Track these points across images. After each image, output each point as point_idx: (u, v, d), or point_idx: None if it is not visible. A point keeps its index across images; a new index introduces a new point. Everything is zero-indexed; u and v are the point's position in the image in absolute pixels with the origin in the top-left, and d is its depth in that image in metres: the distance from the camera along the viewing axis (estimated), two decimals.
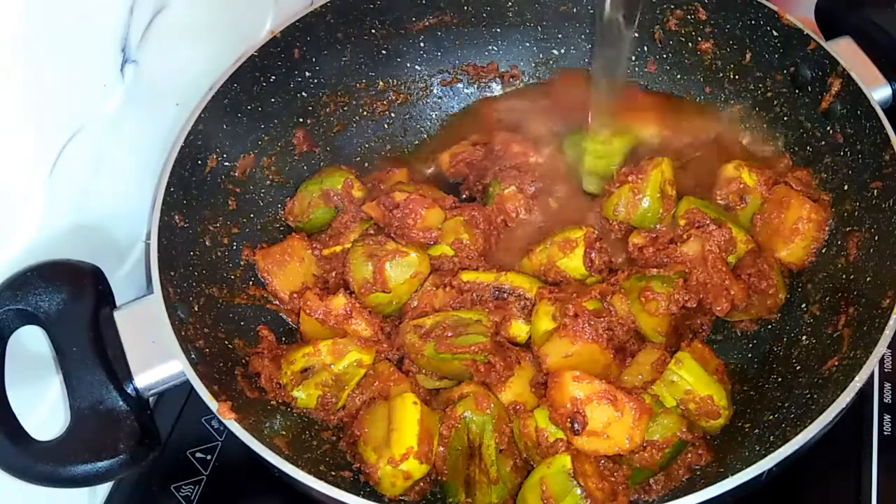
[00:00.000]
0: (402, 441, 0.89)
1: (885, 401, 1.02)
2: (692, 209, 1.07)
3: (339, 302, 1.02)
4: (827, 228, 1.06)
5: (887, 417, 1.00)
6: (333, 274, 1.09)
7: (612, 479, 0.89)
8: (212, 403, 0.85)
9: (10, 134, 0.85)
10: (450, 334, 0.97)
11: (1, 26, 0.81)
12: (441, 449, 0.93)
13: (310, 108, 1.22)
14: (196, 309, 0.98)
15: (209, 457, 1.04)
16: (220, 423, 0.85)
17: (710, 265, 1.01)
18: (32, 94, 0.87)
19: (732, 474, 0.77)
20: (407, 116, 1.30)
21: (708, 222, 1.05)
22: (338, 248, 1.09)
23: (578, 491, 0.85)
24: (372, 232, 1.09)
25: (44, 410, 0.95)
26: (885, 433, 0.99)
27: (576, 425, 0.88)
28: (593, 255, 1.04)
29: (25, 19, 0.83)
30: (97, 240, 1.01)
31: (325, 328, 1.01)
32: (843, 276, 1.02)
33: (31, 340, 0.92)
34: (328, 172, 1.16)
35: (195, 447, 1.05)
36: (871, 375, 0.84)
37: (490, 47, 1.31)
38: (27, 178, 0.89)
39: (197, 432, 1.05)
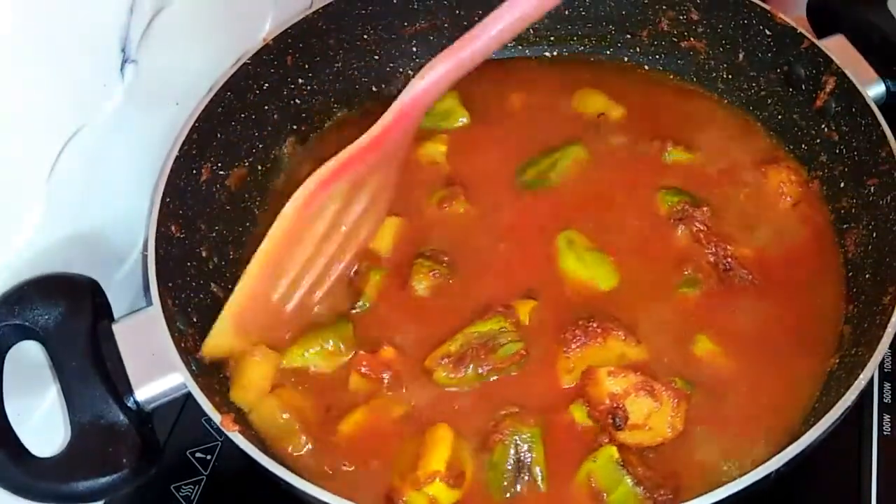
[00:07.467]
0: (428, 464, 0.87)
1: (885, 401, 1.02)
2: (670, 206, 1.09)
3: None
4: (810, 187, 1.10)
5: (887, 417, 1.00)
6: None
7: (657, 468, 0.88)
8: (215, 416, 0.84)
9: (10, 134, 0.85)
10: (484, 353, 0.95)
11: (0, 25, 0.80)
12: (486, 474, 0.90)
13: (303, 114, 1.21)
14: (195, 320, 0.97)
15: (209, 457, 1.03)
16: None
17: (704, 242, 1.04)
18: (32, 94, 0.86)
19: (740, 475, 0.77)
20: None
21: (686, 207, 1.07)
22: None
23: (629, 480, 0.84)
24: None
25: (43, 424, 0.94)
26: (885, 433, 0.99)
27: (617, 420, 0.88)
28: None
29: (25, 18, 0.82)
30: (96, 240, 1.00)
31: None
32: (842, 274, 1.02)
33: (28, 354, 0.91)
34: None
35: (195, 447, 1.04)
36: (871, 375, 0.84)
37: None
38: (27, 179, 0.89)
39: (197, 432, 1.03)
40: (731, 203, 1.09)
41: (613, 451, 0.87)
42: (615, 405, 0.89)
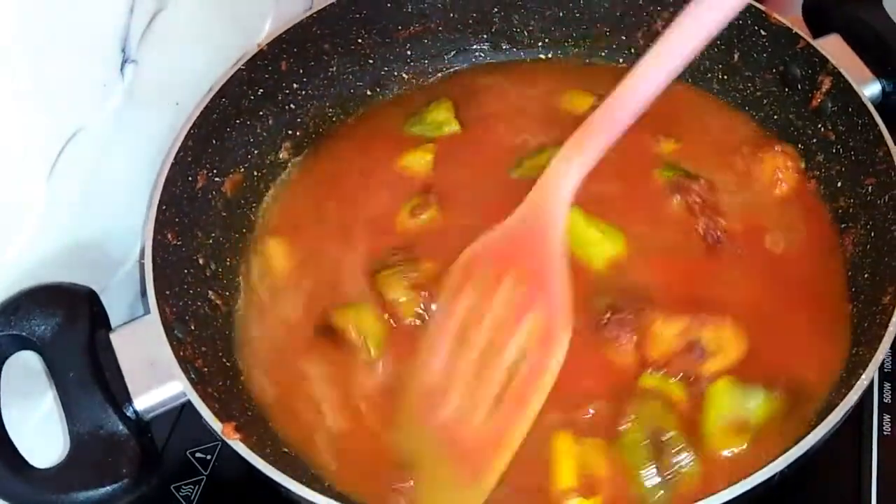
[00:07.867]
0: (559, 481, 0.85)
1: (885, 401, 1.02)
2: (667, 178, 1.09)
3: None
4: (807, 186, 1.09)
5: (887, 417, 1.00)
6: None
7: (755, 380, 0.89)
8: (216, 424, 0.84)
9: (10, 134, 0.84)
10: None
11: (0, 25, 0.80)
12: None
13: (298, 119, 1.21)
14: (193, 328, 0.96)
15: (209, 457, 1.03)
16: None
17: (698, 213, 1.04)
18: (32, 94, 0.86)
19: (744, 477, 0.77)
20: None
21: (682, 179, 1.07)
22: None
23: (757, 394, 0.86)
24: None
25: (38, 434, 0.93)
26: (885, 433, 0.99)
27: (699, 351, 0.89)
28: None
29: (25, 18, 0.82)
30: (95, 242, 1.00)
31: None
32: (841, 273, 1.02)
33: (19, 361, 0.90)
34: None
35: (195, 447, 1.04)
36: (873, 375, 0.84)
37: (477, 54, 1.30)
38: (27, 180, 0.88)
39: (197, 432, 1.00)
40: (726, 194, 1.08)
41: (723, 382, 0.88)
42: (688, 340, 0.90)
